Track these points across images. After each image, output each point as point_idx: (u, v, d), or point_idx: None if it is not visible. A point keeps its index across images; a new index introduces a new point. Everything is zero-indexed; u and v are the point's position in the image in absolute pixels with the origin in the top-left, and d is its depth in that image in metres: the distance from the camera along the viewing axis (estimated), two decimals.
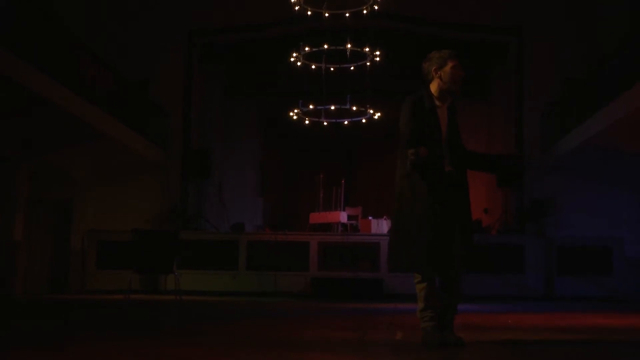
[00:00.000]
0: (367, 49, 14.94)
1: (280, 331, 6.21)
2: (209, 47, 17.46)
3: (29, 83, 10.28)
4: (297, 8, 13.33)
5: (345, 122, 17.52)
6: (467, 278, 13.19)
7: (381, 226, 16.42)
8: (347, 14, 13.69)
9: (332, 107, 16.75)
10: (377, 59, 15.09)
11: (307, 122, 17.42)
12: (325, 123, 17.37)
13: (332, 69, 15.51)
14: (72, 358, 4.20)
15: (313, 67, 15.41)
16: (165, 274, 13.39)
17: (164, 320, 8.16)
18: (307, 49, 14.96)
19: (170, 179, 16.54)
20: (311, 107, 16.75)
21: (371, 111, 16.94)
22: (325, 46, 14.77)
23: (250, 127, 20.25)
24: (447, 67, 4.87)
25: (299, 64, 15.23)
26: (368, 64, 15.27)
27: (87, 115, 12.36)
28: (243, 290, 14.47)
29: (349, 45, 14.51)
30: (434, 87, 4.92)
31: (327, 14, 13.62)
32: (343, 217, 16.71)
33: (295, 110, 16.91)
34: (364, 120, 17.39)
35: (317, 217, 17.15)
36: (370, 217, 16.86)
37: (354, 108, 16.84)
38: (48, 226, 16.35)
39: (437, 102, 4.90)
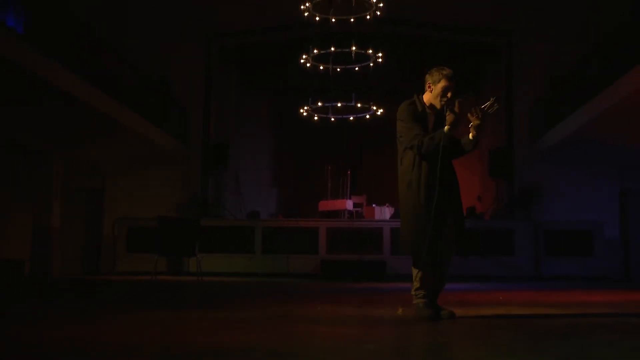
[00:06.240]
0: (370, 51, 14.91)
1: (291, 307, 6.24)
2: (226, 48, 17.43)
3: (60, 82, 10.32)
4: (306, 14, 13.34)
5: (351, 118, 17.52)
6: (462, 260, 13.20)
7: (384, 213, 16.45)
8: (352, 20, 13.66)
9: (339, 104, 16.76)
10: (380, 60, 15.05)
11: (315, 118, 17.42)
12: (332, 119, 17.38)
13: (338, 69, 15.50)
14: (105, 329, 4.25)
15: (321, 67, 15.41)
16: (188, 257, 13.46)
17: (187, 297, 8.20)
18: (315, 51, 14.95)
19: (191, 171, 16.58)
20: (319, 104, 16.75)
21: (374, 108, 16.92)
22: (332, 49, 14.75)
23: (264, 123, 20.28)
24: (439, 85, 4.96)
25: (308, 65, 15.22)
26: (371, 64, 15.24)
27: (114, 111, 12.39)
28: (259, 271, 14.54)
29: (353, 48, 14.49)
30: (426, 97, 5.06)
31: (333, 20, 13.60)
32: (349, 204, 16.72)
33: (305, 107, 16.91)
34: (367, 116, 17.39)
35: (325, 205, 17.17)
36: (374, 205, 16.88)
37: (359, 105, 16.83)
38: (81, 213, 16.45)
39: (427, 109, 5.03)
